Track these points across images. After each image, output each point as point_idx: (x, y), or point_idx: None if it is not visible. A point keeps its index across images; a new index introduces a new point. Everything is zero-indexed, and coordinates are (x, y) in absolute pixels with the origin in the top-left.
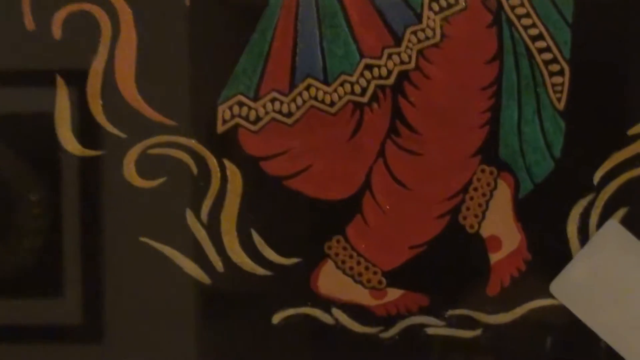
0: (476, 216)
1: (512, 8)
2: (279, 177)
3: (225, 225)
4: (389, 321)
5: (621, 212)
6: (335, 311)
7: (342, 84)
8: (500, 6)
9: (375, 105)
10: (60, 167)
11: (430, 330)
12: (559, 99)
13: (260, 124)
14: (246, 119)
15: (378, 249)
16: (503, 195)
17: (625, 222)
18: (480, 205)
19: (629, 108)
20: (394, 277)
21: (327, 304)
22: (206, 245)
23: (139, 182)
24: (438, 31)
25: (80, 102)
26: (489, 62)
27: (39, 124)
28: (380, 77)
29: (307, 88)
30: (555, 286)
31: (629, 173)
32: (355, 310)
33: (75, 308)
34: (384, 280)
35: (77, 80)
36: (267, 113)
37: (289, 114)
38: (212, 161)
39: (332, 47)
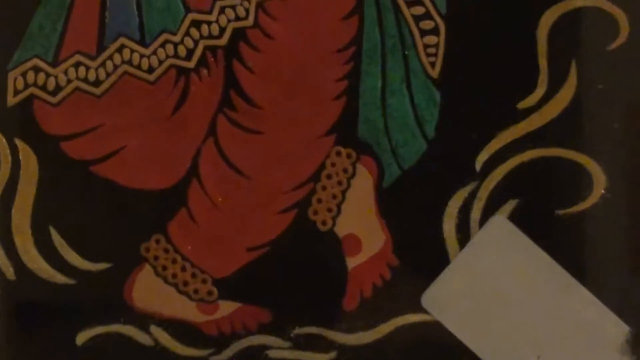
0: (330, 210)
1: None
2: (85, 162)
3: (17, 222)
4: (221, 342)
5: (509, 206)
6: (155, 329)
7: (163, 45)
8: None
9: (204, 72)
10: None
11: (272, 353)
12: (432, 64)
13: (61, 94)
14: (43, 88)
15: (207, 251)
16: (363, 184)
17: (514, 218)
18: (334, 196)
19: (519, 76)
20: (228, 287)
21: (144, 320)
22: None
23: None
24: None
25: None
26: (346, 17)
27: None
28: (210, 36)
29: (120, 50)
30: (427, 298)
31: (518, 157)
32: (180, 328)
33: None
34: (215, 290)
35: None
36: (69, 81)
37: (97, 82)
38: (1, 141)
39: None
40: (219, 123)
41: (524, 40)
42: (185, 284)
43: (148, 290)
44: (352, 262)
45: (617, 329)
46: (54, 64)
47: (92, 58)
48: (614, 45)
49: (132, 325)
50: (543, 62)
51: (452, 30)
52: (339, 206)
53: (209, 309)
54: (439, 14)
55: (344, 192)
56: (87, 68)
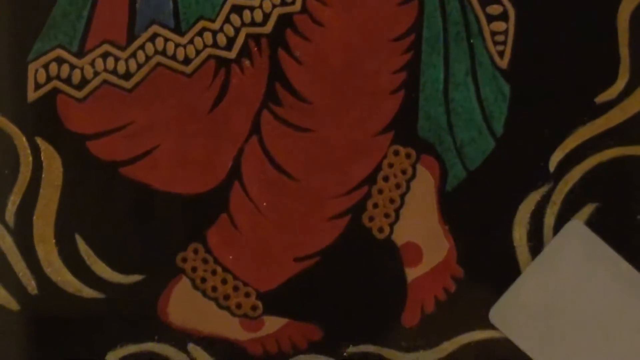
0: (387, 216)
1: None
2: (114, 163)
3: (39, 230)
4: None
5: (587, 210)
6: (193, 348)
7: (200, 33)
8: None
9: (246, 63)
10: None
11: None
12: (501, 54)
13: (88, 88)
14: (68, 81)
15: (251, 261)
16: (424, 187)
17: (593, 223)
18: (392, 201)
19: (598, 66)
20: (274, 301)
21: (181, 338)
22: (13, 258)
23: None
24: None
25: None
26: (404, 2)
27: None
28: (253, 23)
29: (152, 39)
30: (496, 312)
31: (597, 156)
32: (221, 347)
33: None
34: (259, 304)
35: None
36: (96, 74)
37: (127, 75)
38: (21, 140)
39: None
40: (263, 119)
41: (602, 26)
42: (227, 297)
43: (185, 305)
44: (412, 274)
45: None
46: (80, 54)
47: (122, 48)
48: None
49: (168, 344)
50: (624, 51)
51: (522, 16)
52: (397, 211)
53: (253, 325)
54: None
55: (402, 196)
56: (117, 59)
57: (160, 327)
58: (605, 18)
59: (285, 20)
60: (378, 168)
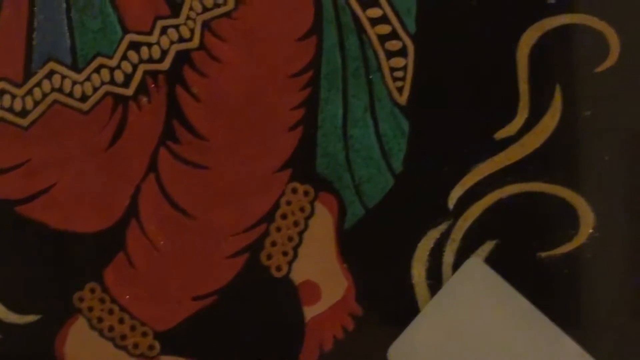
0: (285, 254)
1: None
2: (10, 202)
3: None
4: None
5: (486, 248)
6: None
7: (97, 70)
8: None
9: (144, 100)
10: None
11: None
12: (399, 90)
13: None
14: None
15: (148, 300)
16: (323, 224)
17: (492, 261)
18: (290, 238)
19: (497, 102)
20: (172, 341)
21: None
22: None
23: None
24: None
25: None
26: (302, 38)
27: None
28: (151, 59)
29: (49, 76)
30: (395, 351)
31: (496, 193)
32: None
33: None
34: (157, 344)
35: None
36: None
37: (24, 113)
38: None
39: (83, 18)
40: (160, 157)
41: (502, 62)
42: (124, 337)
43: (82, 344)
44: (310, 312)
45: None
46: None
47: (18, 85)
48: (603, 67)
49: None
50: (524, 87)
51: (421, 52)
52: (295, 250)
53: None
54: (407, 34)
55: (301, 234)
56: (13, 96)
57: None
58: (504, 54)
59: (183, 57)
60: (276, 205)
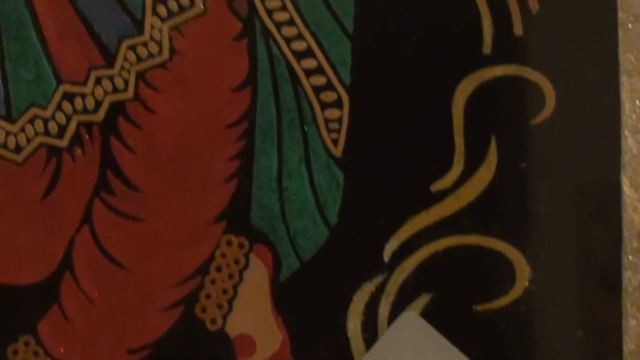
0: (220, 307)
1: (270, 12)
2: None
3: None
4: None
5: (422, 301)
6: None
7: (31, 121)
8: (253, 10)
9: (78, 151)
10: None
11: None
12: (335, 141)
13: None
14: None
15: (83, 354)
16: (257, 277)
17: (428, 314)
18: (225, 291)
19: (432, 154)
20: None
21: None
22: None
23: None
24: (166, 45)
25: None
26: (237, 89)
27: None
28: (85, 110)
29: None
30: None
31: (432, 245)
32: None
33: None
34: None
35: None
36: None
37: None
38: None
39: (17, 69)
40: (94, 209)
41: (436, 114)
42: None
43: None
44: None
45: None
46: None
47: None
48: (538, 119)
49: None
50: (459, 139)
51: (356, 103)
52: (230, 302)
53: None
54: (343, 85)
55: (235, 287)
56: None
57: None
58: (439, 105)
59: (118, 108)
60: (211, 258)
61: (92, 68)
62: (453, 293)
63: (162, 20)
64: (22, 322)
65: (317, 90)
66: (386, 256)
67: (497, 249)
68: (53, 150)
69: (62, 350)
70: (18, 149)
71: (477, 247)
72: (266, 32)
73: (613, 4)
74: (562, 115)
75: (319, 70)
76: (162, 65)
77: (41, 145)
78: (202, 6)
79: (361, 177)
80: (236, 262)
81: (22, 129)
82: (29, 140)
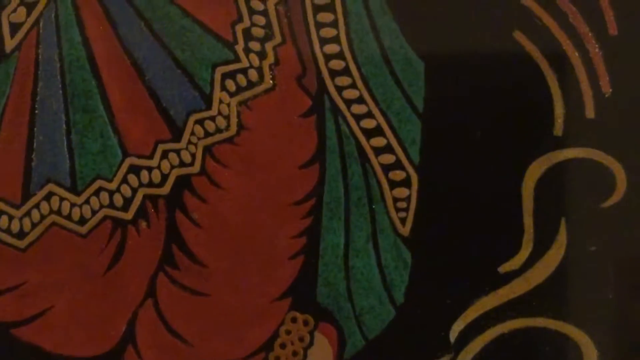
0: None
1: (340, 90)
2: (5, 324)
3: None
4: None
5: None
6: None
7: (96, 193)
8: (322, 87)
9: (143, 224)
10: None
11: None
12: (402, 220)
13: None
14: None
15: None
16: (322, 355)
17: None
18: None
19: (501, 235)
20: None
21: None
22: None
23: None
24: (234, 120)
25: None
26: (305, 166)
27: None
28: (151, 184)
29: (48, 198)
30: None
31: (499, 327)
32: None
33: None
34: None
35: None
36: None
37: (21, 234)
38: None
39: (84, 140)
40: (159, 283)
41: (506, 195)
42: None
43: None
44: None
45: None
46: None
47: (16, 206)
48: (609, 202)
49: None
50: (528, 220)
51: (425, 182)
52: None
53: None
54: (412, 164)
55: None
56: (10, 218)
57: None
58: (510, 186)
59: (184, 182)
60: (275, 335)
61: (159, 141)
62: None
63: (231, 95)
64: None
65: (386, 168)
66: (452, 337)
67: (564, 332)
68: (118, 223)
69: None
70: (82, 220)
71: (545, 330)
72: (335, 109)
73: None
74: (632, 199)
75: (388, 148)
76: (230, 140)
77: (106, 217)
78: (271, 82)
79: (429, 256)
80: (301, 339)
81: (87, 201)
82: (93, 212)
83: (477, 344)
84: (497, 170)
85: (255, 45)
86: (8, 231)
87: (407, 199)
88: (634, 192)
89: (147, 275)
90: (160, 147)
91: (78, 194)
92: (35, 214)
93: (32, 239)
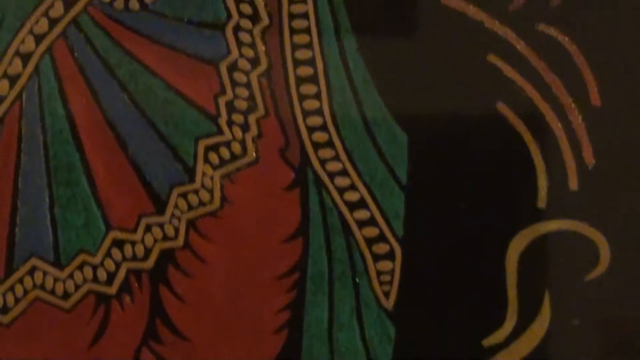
0: None
1: (323, 162)
2: None
3: None
4: None
5: None
6: None
7: (80, 267)
8: (305, 160)
9: (127, 299)
10: None
11: None
12: (386, 294)
13: None
14: None
15: None
16: None
17: None
18: None
19: (485, 308)
20: None
21: None
22: None
23: None
24: (217, 194)
25: None
26: (288, 240)
27: None
28: (134, 258)
29: (31, 272)
30: None
31: None
32: None
33: None
34: None
35: None
36: None
37: (4, 310)
38: None
39: (66, 215)
40: (142, 357)
41: (490, 267)
42: None
43: None
44: None
45: None
46: None
47: None
48: (593, 275)
49: None
50: (512, 293)
51: (409, 255)
52: None
53: None
54: (395, 237)
55: None
56: None
57: None
58: (493, 259)
59: (167, 256)
60: None
61: (143, 215)
62: None
63: (214, 168)
64: None
65: (370, 242)
66: None
67: None
68: (101, 298)
69: None
70: (66, 295)
71: None
72: (319, 182)
73: None
74: (616, 272)
75: (372, 221)
76: (213, 214)
77: (89, 292)
78: (254, 154)
79: (413, 330)
80: None
81: (71, 275)
82: (77, 286)
83: None
84: (481, 242)
85: (238, 118)
86: None
87: (391, 272)
88: (618, 265)
89: (131, 350)
90: (144, 221)
91: (62, 268)
92: (19, 289)
93: (15, 314)
